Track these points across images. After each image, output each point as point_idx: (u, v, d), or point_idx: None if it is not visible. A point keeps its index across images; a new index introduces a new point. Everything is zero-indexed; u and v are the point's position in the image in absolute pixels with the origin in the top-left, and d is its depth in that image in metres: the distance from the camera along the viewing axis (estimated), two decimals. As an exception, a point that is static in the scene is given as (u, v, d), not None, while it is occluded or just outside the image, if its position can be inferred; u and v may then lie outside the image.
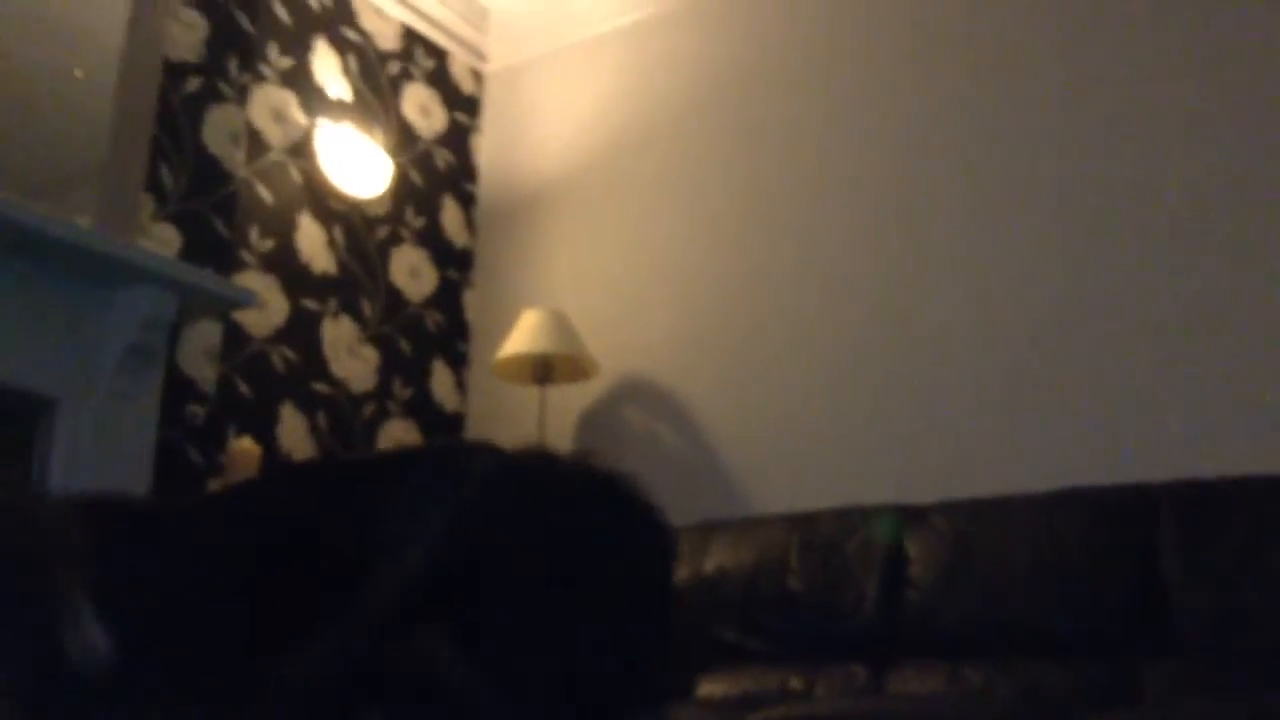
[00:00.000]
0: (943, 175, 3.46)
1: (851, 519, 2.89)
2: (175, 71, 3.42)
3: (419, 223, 4.19)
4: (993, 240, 3.33)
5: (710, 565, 2.97)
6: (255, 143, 3.66)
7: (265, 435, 3.48)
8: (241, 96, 3.63)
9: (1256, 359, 2.86)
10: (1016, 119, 3.38)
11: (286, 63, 3.80)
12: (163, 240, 3.31)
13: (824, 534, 2.89)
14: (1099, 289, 3.13)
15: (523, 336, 3.66)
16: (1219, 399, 2.88)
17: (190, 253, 3.37)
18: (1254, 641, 2.36)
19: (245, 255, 3.57)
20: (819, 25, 3.84)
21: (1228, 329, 2.92)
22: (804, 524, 2.97)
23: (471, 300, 4.32)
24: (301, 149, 3.80)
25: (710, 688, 2.79)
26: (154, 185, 3.31)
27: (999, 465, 3.03)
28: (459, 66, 4.48)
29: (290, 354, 3.65)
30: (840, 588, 2.80)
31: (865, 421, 3.37)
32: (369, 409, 3.86)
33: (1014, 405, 3.15)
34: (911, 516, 2.85)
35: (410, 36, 4.29)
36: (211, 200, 3.48)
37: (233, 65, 3.62)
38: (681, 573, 3.02)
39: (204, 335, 3.36)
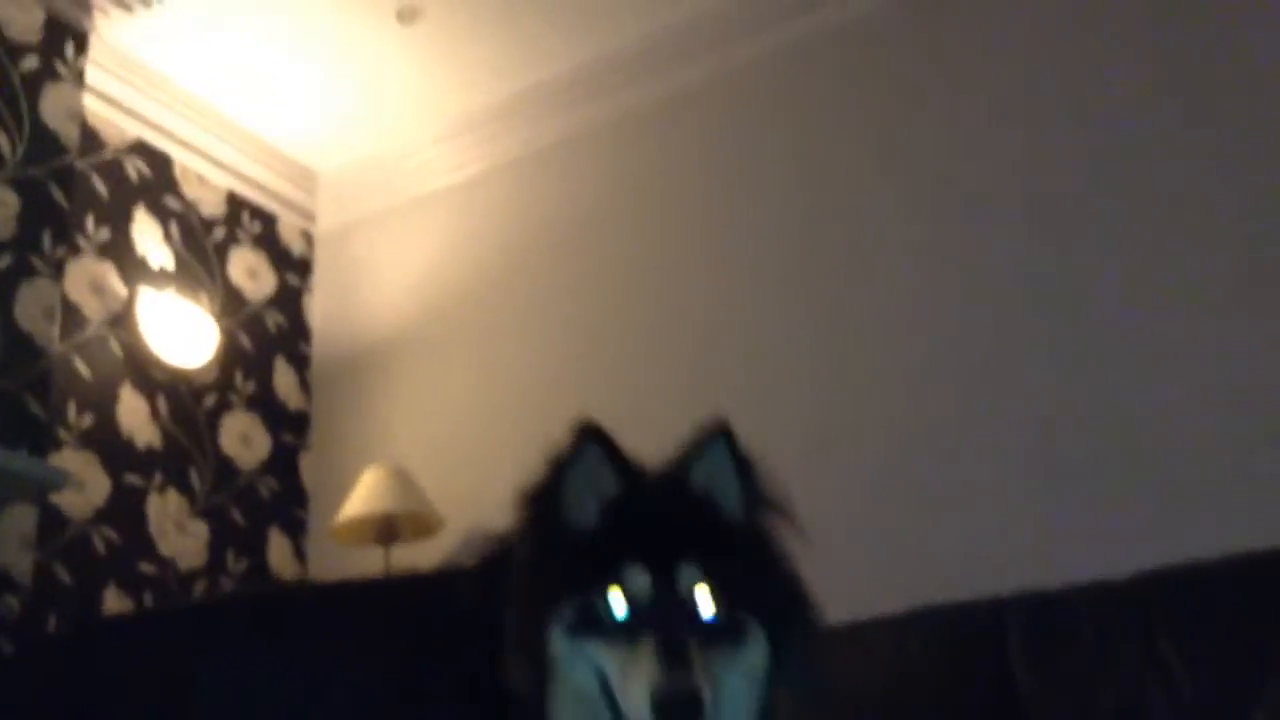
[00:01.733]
0: (780, 305, 3.55)
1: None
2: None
3: (249, 388, 4.08)
4: (831, 368, 3.40)
5: None
6: (72, 317, 3.53)
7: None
8: (56, 271, 3.51)
9: (1101, 466, 2.96)
10: (858, 240, 3.51)
11: (104, 234, 3.71)
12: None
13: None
14: (940, 406, 3.22)
15: (363, 497, 3.57)
16: (1063, 510, 2.96)
17: (0, 435, 3.19)
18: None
19: (62, 434, 3.40)
20: (648, 165, 3.94)
21: (1072, 437, 3.02)
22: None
23: (308, 464, 4.20)
24: (122, 320, 3.69)
25: None
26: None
27: (848, 590, 3.04)
28: (287, 229, 4.44)
29: (113, 534, 3.47)
30: None
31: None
32: (200, 586, 3.68)
33: (862, 529, 3.18)
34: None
35: (235, 202, 4.25)
36: (24, 379, 3.32)
37: (46, 239, 3.50)
38: None
39: (17, 521, 3.17)
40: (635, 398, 3.69)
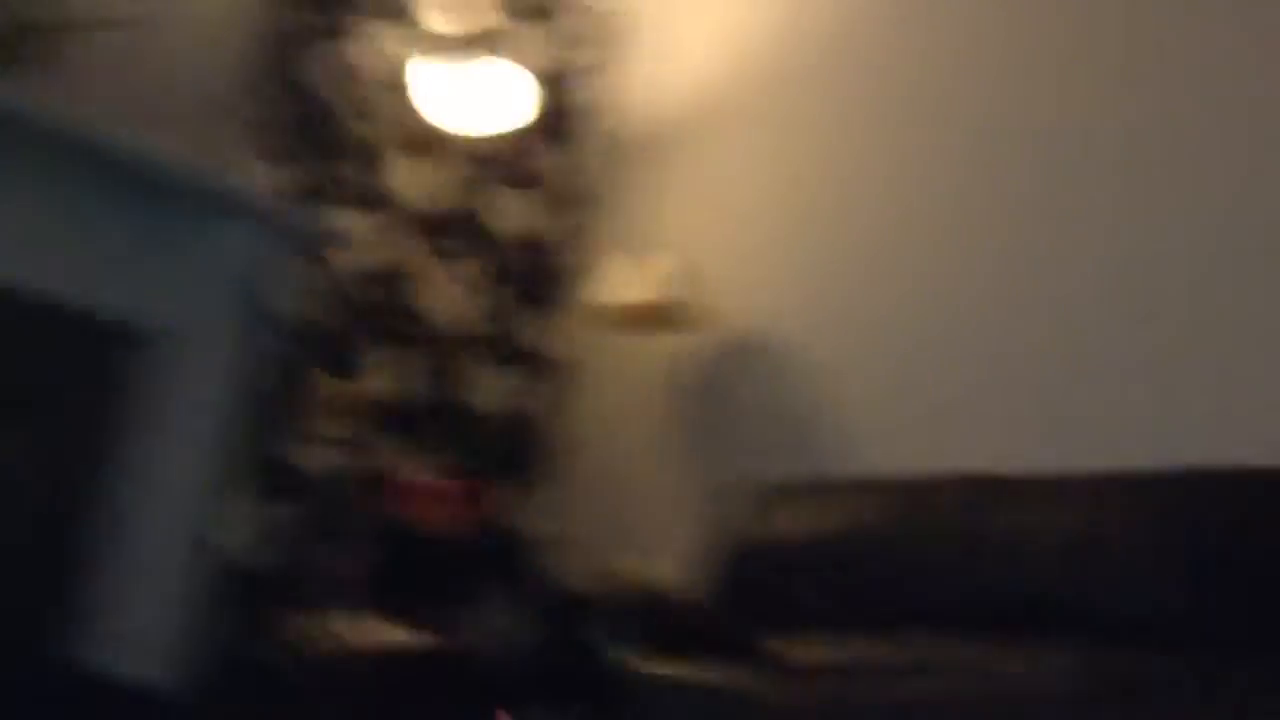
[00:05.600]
0: (1094, 133, 3.13)
1: (957, 486, 2.69)
2: (279, 8, 3.39)
3: (535, 163, 4.06)
4: (1131, 212, 3.01)
5: (798, 525, 2.83)
6: (360, 80, 3.60)
7: (354, 376, 3.45)
8: (347, 33, 3.57)
9: None
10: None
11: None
12: (263, 177, 3.29)
13: (927, 500, 2.70)
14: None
15: (634, 282, 3.54)
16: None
17: (291, 190, 3.34)
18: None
19: (346, 194, 3.51)
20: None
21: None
22: (908, 489, 2.79)
23: (589, 244, 4.16)
24: (403, 86, 3.71)
25: (803, 652, 2.60)
26: (256, 123, 3.29)
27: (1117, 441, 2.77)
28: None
29: (387, 295, 3.59)
30: (941, 555, 2.61)
31: (990, 388, 3.11)
32: (469, 354, 3.78)
33: (1129, 382, 2.89)
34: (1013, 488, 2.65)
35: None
36: (313, 138, 3.44)
37: (337, 1, 3.56)
38: (762, 531, 2.92)
39: (300, 275, 3.33)
40: (928, 210, 3.41)
